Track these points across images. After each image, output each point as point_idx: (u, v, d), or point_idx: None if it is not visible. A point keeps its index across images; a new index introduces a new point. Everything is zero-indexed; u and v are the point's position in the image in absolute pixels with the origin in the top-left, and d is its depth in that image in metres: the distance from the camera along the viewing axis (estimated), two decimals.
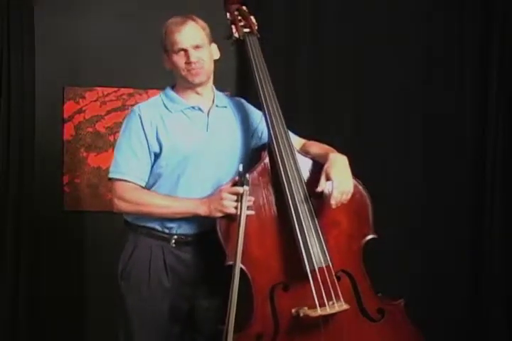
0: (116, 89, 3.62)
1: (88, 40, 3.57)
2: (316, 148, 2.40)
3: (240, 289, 2.16)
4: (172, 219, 2.31)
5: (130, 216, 2.38)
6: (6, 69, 3.28)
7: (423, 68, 3.70)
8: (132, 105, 3.58)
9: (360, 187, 2.33)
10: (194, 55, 2.29)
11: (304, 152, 2.38)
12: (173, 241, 2.34)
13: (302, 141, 2.50)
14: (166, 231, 2.34)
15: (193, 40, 2.30)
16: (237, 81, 3.56)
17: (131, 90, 3.64)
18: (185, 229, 2.34)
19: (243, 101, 2.54)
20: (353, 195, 2.25)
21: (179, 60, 2.31)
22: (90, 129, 3.61)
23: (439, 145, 3.70)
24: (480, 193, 3.68)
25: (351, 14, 3.65)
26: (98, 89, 3.61)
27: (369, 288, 2.31)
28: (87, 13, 3.59)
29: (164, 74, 3.57)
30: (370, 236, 2.33)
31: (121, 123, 3.50)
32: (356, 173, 2.35)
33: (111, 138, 3.62)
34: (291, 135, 2.42)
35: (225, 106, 2.45)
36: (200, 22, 2.35)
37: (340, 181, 2.17)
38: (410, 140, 3.69)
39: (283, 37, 3.56)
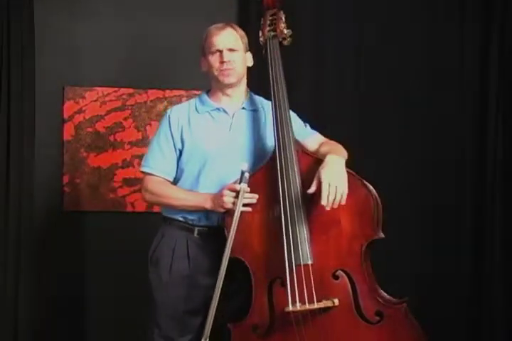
0: (116, 89, 3.63)
1: (88, 40, 3.57)
2: (326, 147, 2.49)
3: (243, 281, 2.34)
4: (193, 213, 2.49)
5: (164, 209, 2.58)
6: (6, 69, 3.28)
7: (423, 68, 3.70)
8: (132, 105, 3.64)
9: (365, 189, 2.32)
10: (227, 55, 2.47)
11: (319, 152, 2.49)
12: (196, 231, 2.50)
13: (322, 140, 2.59)
14: (190, 222, 2.51)
15: (229, 43, 2.49)
16: None
17: (131, 90, 3.64)
18: (205, 222, 2.50)
19: None
20: (356, 196, 2.28)
21: (214, 60, 2.49)
22: (90, 129, 3.61)
23: (439, 145, 3.70)
24: (480, 193, 3.68)
25: (351, 13, 3.65)
26: (98, 89, 3.61)
27: (369, 289, 2.30)
28: (87, 13, 3.59)
29: (164, 75, 3.63)
30: (373, 238, 2.30)
31: (120, 123, 3.61)
32: (356, 173, 2.35)
33: (111, 138, 3.63)
34: (316, 134, 2.59)
35: (255, 110, 2.58)
36: (240, 31, 2.55)
37: (331, 182, 2.20)
38: (410, 140, 3.69)
39: None
